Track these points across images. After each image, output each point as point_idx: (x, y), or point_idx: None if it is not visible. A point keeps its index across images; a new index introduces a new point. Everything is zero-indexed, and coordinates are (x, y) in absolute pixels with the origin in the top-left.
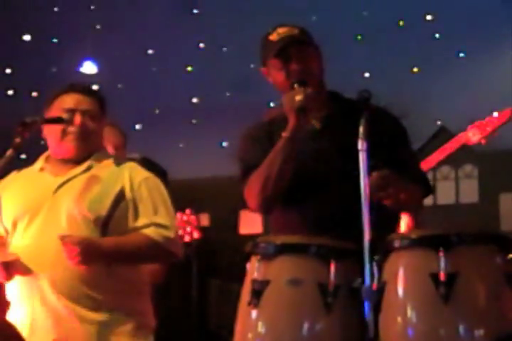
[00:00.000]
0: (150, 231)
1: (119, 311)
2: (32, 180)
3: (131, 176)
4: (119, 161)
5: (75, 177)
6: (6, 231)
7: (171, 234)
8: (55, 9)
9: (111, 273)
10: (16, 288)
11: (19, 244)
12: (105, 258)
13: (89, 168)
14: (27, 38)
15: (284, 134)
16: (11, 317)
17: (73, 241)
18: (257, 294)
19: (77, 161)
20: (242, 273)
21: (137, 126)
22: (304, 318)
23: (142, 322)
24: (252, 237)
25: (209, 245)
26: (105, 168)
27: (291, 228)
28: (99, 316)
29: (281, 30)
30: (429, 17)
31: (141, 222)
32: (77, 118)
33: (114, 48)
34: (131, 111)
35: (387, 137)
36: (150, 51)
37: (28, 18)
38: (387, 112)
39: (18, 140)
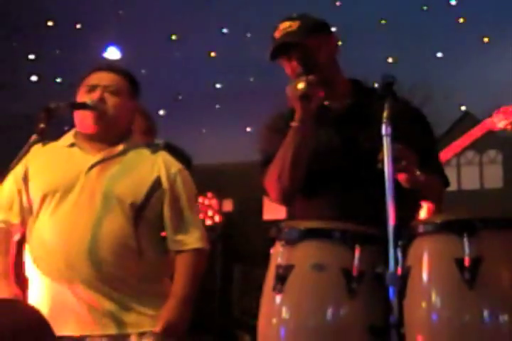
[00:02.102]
0: (187, 258)
1: (149, 295)
2: (62, 156)
3: (167, 166)
4: (153, 148)
5: (109, 158)
6: (30, 204)
7: (199, 244)
8: None
9: (141, 258)
10: (45, 267)
11: (50, 221)
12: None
13: (125, 152)
14: (50, 24)
15: (293, 124)
16: (33, 297)
17: None
18: (281, 279)
19: (105, 139)
20: (266, 259)
21: (161, 112)
22: (328, 303)
23: None
24: (275, 223)
25: (233, 230)
26: (141, 154)
27: (315, 215)
28: (130, 300)
29: (282, 27)
30: (453, 2)
31: (175, 244)
32: (96, 93)
33: (138, 34)
34: (154, 97)
35: (408, 130)
36: (173, 36)
37: (52, 5)
38: (407, 104)
39: (42, 125)
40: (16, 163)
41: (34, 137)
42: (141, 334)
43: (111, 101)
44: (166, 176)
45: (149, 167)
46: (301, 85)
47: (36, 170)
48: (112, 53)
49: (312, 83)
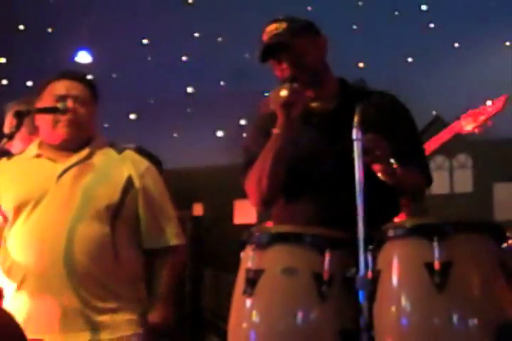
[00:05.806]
0: (164, 256)
1: (126, 300)
2: (30, 167)
3: (136, 165)
4: (119, 149)
5: (77, 164)
6: (5, 218)
7: (177, 241)
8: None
9: (118, 259)
10: (19, 275)
11: (22, 230)
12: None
13: (90, 155)
14: (22, 27)
15: (275, 131)
16: (10, 305)
17: None
18: (251, 283)
19: (72, 147)
20: (236, 263)
21: (132, 116)
22: (298, 307)
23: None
24: (246, 227)
25: (203, 235)
26: (107, 156)
27: (295, 218)
28: (108, 304)
29: (269, 29)
30: (424, 7)
31: (150, 242)
32: (69, 104)
33: (109, 38)
34: (125, 101)
35: (391, 124)
36: (145, 41)
37: (23, 8)
38: (392, 98)
39: (12, 129)
40: None
41: (4, 141)
42: (118, 339)
43: (81, 111)
44: (137, 175)
45: (119, 167)
46: (283, 93)
47: (5, 184)
48: (83, 57)
49: (295, 91)
